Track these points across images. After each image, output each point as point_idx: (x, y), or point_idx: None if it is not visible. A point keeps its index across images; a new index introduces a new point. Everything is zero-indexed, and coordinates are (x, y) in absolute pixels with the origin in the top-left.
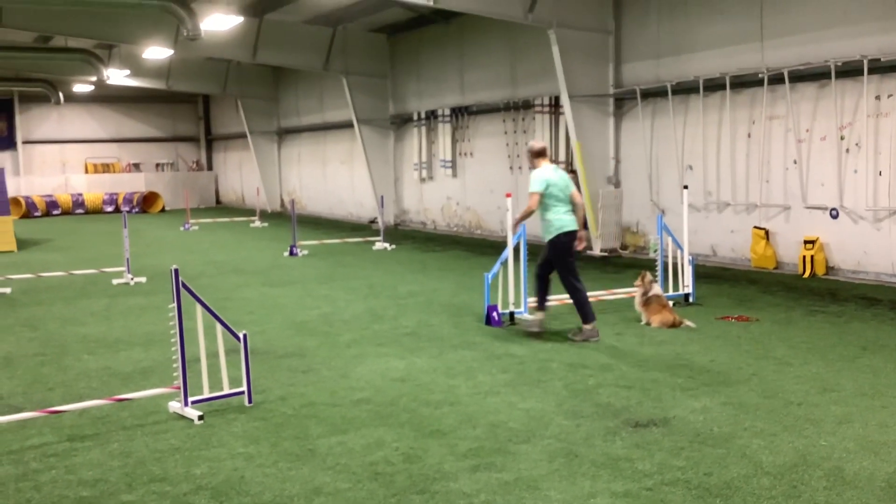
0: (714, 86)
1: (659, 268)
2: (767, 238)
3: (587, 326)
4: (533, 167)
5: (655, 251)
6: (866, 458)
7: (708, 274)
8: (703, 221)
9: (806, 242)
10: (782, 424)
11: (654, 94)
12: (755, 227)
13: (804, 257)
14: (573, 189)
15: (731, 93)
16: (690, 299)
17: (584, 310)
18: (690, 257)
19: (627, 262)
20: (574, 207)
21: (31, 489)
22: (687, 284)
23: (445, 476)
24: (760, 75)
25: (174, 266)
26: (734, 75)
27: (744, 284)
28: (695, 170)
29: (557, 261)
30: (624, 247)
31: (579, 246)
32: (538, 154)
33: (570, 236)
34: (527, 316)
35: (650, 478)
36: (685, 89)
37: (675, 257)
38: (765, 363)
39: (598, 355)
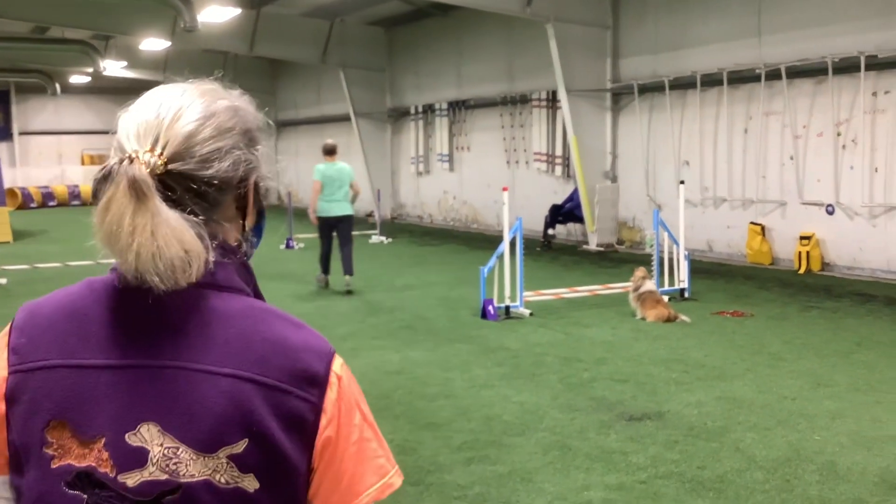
0: (711, 81)
1: (655, 263)
2: (763, 234)
3: (319, 275)
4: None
5: (652, 246)
6: (859, 453)
7: (704, 269)
8: (699, 217)
9: (802, 238)
10: (776, 419)
11: (651, 89)
12: (751, 222)
13: (800, 253)
14: (352, 180)
15: (728, 88)
16: (686, 294)
17: (322, 264)
18: (686, 252)
19: (624, 257)
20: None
21: None
22: (682, 280)
23: (440, 468)
24: (758, 71)
25: None
26: (731, 71)
27: (740, 280)
28: (691, 165)
29: (319, 231)
30: (620, 242)
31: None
32: (326, 152)
33: (322, 219)
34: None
35: (644, 471)
36: (682, 84)
37: (671, 252)
38: (759, 358)
39: (594, 349)
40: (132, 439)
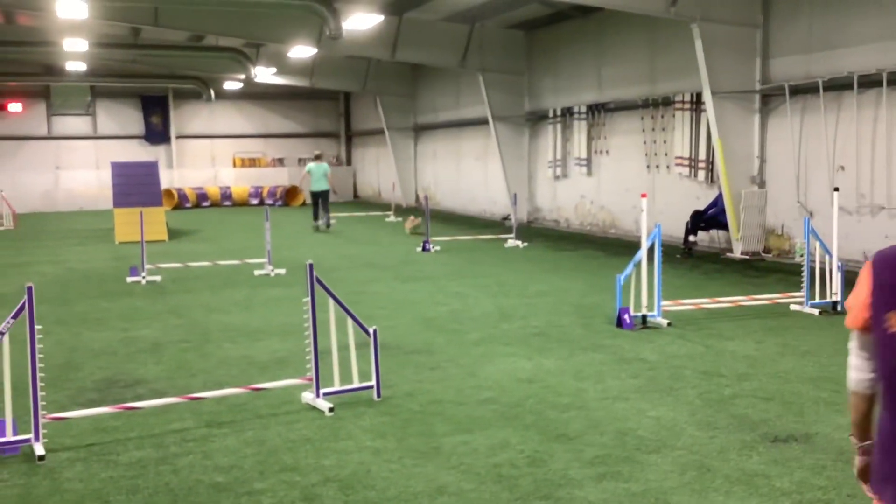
0: (869, 82)
1: (805, 273)
2: None
3: (313, 223)
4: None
5: (802, 255)
6: None
7: None
8: (854, 225)
9: None
10: None
11: (804, 90)
12: None
13: None
14: (326, 172)
15: (888, 90)
16: (839, 308)
17: (314, 217)
18: (840, 263)
19: (770, 267)
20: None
21: (170, 473)
22: (836, 292)
23: (570, 483)
24: None
25: (309, 261)
26: (892, 71)
27: None
28: (847, 171)
29: (312, 200)
30: (767, 250)
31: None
32: (315, 158)
33: (313, 193)
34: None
35: (788, 497)
36: (838, 86)
37: (822, 263)
38: None
39: (736, 364)
40: None
